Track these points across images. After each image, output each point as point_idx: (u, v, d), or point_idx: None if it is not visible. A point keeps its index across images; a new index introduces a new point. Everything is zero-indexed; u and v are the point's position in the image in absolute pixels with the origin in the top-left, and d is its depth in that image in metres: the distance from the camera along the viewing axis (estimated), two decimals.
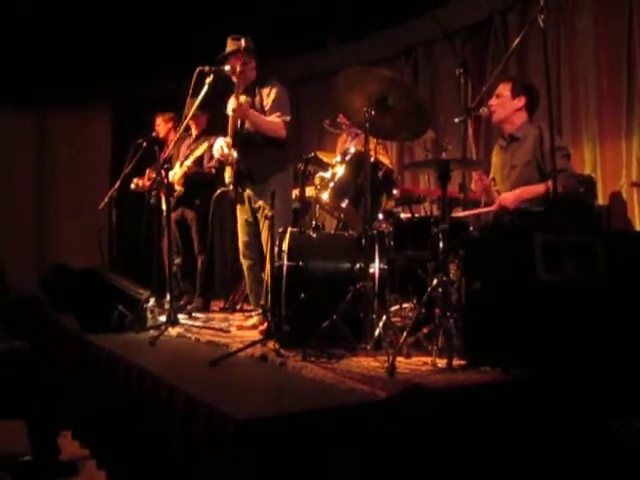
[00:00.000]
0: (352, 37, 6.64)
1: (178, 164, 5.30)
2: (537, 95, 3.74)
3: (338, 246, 3.45)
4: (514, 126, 3.73)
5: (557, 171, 3.04)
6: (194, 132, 5.41)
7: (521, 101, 3.69)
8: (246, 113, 4.05)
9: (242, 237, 4.36)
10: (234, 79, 4.10)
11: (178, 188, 5.20)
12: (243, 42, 4.00)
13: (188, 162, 5.11)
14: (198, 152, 5.06)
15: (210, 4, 6.29)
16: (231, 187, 4.25)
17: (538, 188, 3.49)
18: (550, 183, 3.25)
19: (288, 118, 4.13)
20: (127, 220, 6.06)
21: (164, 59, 6.78)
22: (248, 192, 4.22)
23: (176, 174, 5.25)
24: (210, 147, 4.78)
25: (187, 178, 5.16)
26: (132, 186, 5.61)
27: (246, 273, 4.39)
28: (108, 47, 6.79)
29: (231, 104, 4.10)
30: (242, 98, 4.08)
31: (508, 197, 3.56)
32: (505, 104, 3.72)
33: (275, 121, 4.09)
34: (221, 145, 4.22)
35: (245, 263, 4.37)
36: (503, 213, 3.55)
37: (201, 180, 5.16)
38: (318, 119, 5.97)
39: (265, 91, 4.16)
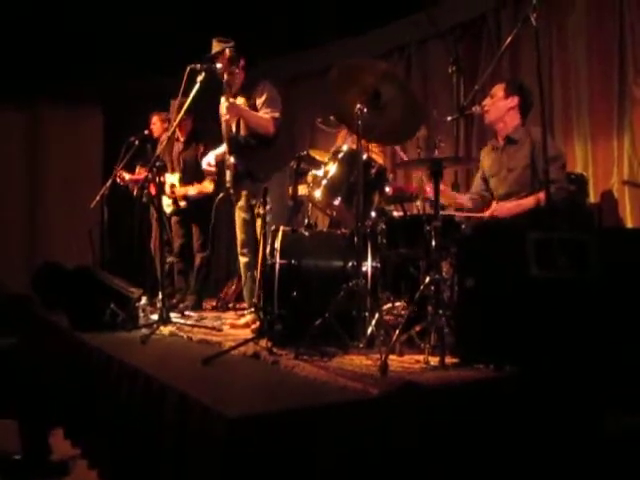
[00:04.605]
0: (346, 35, 6.63)
1: (177, 176, 5.30)
2: (531, 95, 3.72)
3: (331, 244, 3.45)
4: (507, 126, 3.70)
5: (549, 182, 3.01)
6: (180, 137, 5.41)
7: (514, 101, 3.68)
8: (238, 110, 4.08)
9: (240, 235, 4.45)
10: (224, 81, 4.13)
11: (182, 203, 5.26)
12: (227, 52, 4.03)
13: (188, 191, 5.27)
14: (200, 189, 5.23)
15: (204, 1, 6.27)
16: (231, 191, 4.31)
17: (531, 201, 3.48)
18: (541, 195, 3.26)
19: (277, 115, 4.17)
20: (119, 218, 6.04)
21: (157, 56, 6.76)
22: (246, 191, 4.27)
23: (176, 188, 5.27)
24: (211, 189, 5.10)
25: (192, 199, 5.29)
26: (117, 179, 5.59)
27: (242, 270, 4.47)
28: (100, 44, 6.76)
29: (223, 106, 4.12)
30: (232, 100, 4.10)
31: (502, 209, 3.56)
32: (498, 104, 3.71)
33: (264, 117, 4.13)
34: (208, 161, 4.46)
35: (242, 260, 4.46)
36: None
37: (204, 198, 5.24)
38: (311, 117, 5.96)
39: (256, 91, 4.22)
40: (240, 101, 4.15)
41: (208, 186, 5.18)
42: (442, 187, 3.67)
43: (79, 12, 6.41)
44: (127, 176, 5.61)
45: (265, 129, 4.14)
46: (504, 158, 3.72)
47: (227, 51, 4.03)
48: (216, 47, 4.20)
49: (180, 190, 5.30)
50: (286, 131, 4.48)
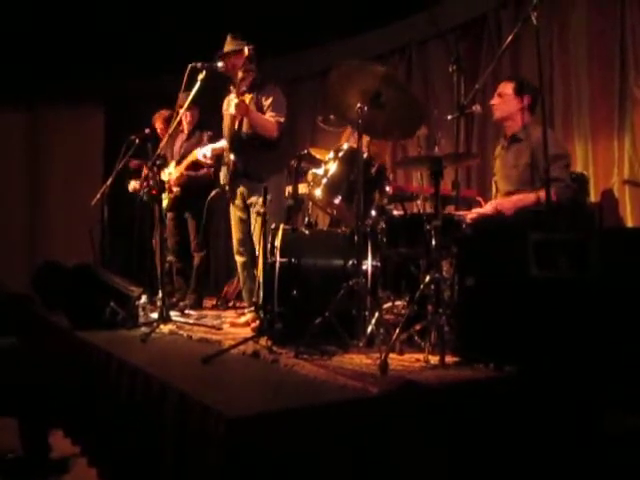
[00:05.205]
0: (347, 34, 6.63)
1: (174, 164, 5.29)
2: (538, 95, 3.70)
3: (331, 243, 3.45)
4: (516, 125, 3.68)
5: (551, 180, 3.00)
6: (186, 128, 5.40)
7: (524, 101, 3.65)
8: (246, 110, 4.06)
9: (236, 234, 4.39)
10: (233, 78, 4.12)
11: (175, 189, 5.22)
12: (246, 50, 4.02)
13: (182, 168, 5.18)
14: (190, 158, 5.13)
15: (204, 1, 6.27)
16: (227, 187, 4.30)
17: (532, 197, 3.46)
18: (542, 193, 3.25)
19: (282, 119, 4.17)
20: (120, 217, 6.05)
21: (157, 56, 6.76)
22: (242, 189, 4.25)
23: (172, 174, 5.25)
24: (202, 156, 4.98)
25: (185, 181, 5.20)
26: (130, 188, 5.61)
27: (240, 270, 4.42)
28: (100, 44, 6.76)
29: (232, 103, 4.11)
30: (242, 98, 4.09)
31: (505, 203, 3.54)
32: (508, 102, 3.68)
33: (269, 120, 4.13)
34: (204, 153, 4.54)
35: (239, 260, 4.40)
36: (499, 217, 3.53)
37: (198, 184, 5.18)
38: (311, 116, 5.96)
39: (263, 92, 4.21)
40: (247, 98, 4.13)
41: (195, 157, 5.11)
42: (485, 209, 3.67)
43: (79, 12, 6.41)
44: (138, 184, 5.61)
45: (270, 132, 4.13)
46: (509, 156, 3.72)
47: (246, 49, 4.02)
48: (229, 44, 4.18)
49: (173, 173, 5.26)
50: (288, 133, 4.47)
